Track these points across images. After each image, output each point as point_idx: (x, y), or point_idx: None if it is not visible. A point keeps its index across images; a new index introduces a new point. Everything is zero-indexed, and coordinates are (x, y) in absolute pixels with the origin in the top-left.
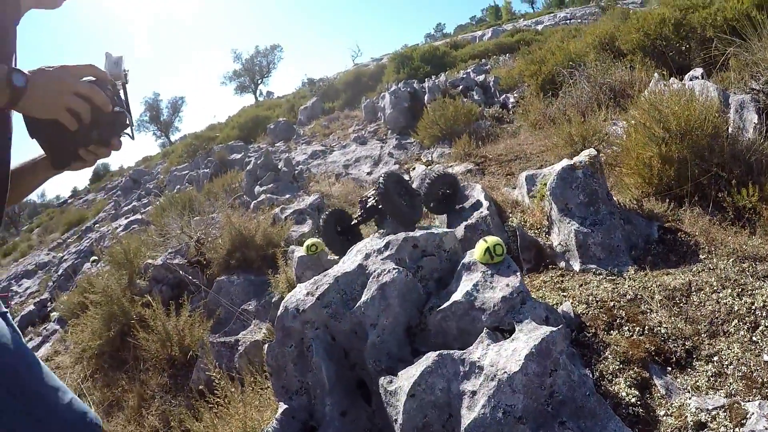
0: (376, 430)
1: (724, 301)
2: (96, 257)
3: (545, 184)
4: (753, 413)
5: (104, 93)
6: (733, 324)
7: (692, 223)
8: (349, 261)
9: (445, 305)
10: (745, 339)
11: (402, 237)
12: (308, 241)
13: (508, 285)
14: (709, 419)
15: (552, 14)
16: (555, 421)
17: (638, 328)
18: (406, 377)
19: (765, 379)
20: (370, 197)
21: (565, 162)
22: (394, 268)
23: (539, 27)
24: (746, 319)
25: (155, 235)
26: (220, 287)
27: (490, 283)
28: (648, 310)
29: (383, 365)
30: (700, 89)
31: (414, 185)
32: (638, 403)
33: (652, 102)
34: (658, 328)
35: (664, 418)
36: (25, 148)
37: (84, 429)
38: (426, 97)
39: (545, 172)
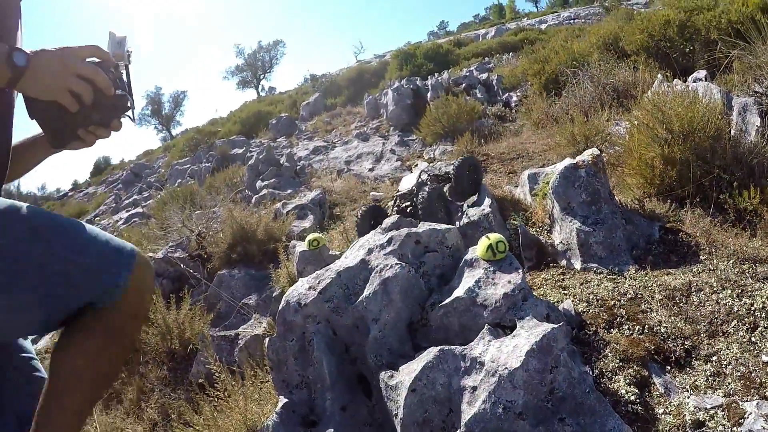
0: (377, 424)
1: (724, 301)
2: None
3: (548, 183)
4: (751, 413)
5: (107, 75)
6: (732, 324)
7: (693, 224)
8: (352, 256)
9: (446, 301)
10: (744, 339)
11: (405, 232)
12: (310, 236)
13: (509, 282)
14: (707, 418)
15: (556, 14)
16: (555, 417)
17: (638, 327)
18: (407, 372)
19: (763, 380)
20: (404, 200)
21: (568, 161)
22: (396, 264)
23: (543, 26)
24: (745, 320)
25: (156, 228)
26: (221, 281)
27: (492, 279)
28: (648, 310)
29: (384, 360)
30: (704, 91)
31: (421, 177)
32: (637, 401)
33: (655, 103)
34: (658, 327)
35: (663, 416)
36: (24, 127)
37: (125, 252)
38: (429, 95)
39: (548, 170)
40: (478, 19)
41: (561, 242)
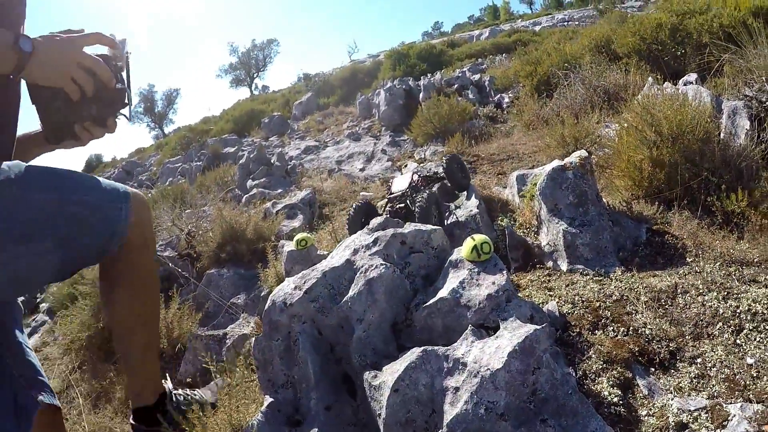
0: (361, 424)
1: (710, 303)
2: None
3: (535, 184)
4: (734, 415)
5: (109, 68)
6: (717, 327)
7: (681, 226)
8: (338, 256)
9: (430, 302)
10: (729, 342)
11: (390, 233)
12: (298, 236)
13: (494, 283)
14: (690, 420)
15: (550, 15)
16: (537, 418)
17: (623, 328)
18: (390, 372)
19: (747, 382)
20: (397, 202)
21: (555, 162)
22: (381, 264)
23: (537, 28)
24: (731, 322)
25: None
26: (209, 280)
27: (476, 280)
28: (633, 311)
29: (368, 360)
30: (694, 94)
31: (413, 178)
32: (620, 402)
33: (644, 105)
34: (643, 329)
35: (646, 418)
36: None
37: (121, 189)
38: (421, 95)
39: (536, 172)
40: (473, 20)
41: (548, 243)
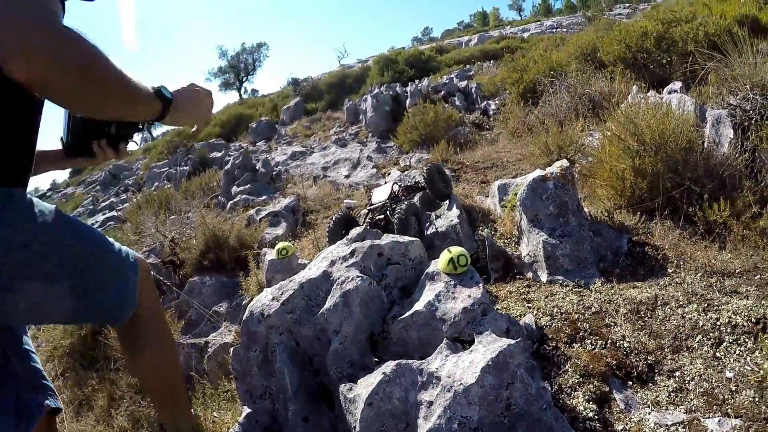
0: None
1: (690, 316)
2: None
3: (516, 194)
4: (712, 430)
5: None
6: (697, 339)
7: (662, 237)
8: (315, 267)
9: (406, 315)
10: (709, 355)
11: (368, 245)
12: (279, 245)
13: (469, 296)
14: None
15: (539, 22)
16: None
17: (601, 341)
18: (365, 386)
19: (726, 396)
20: (377, 212)
21: (536, 173)
22: (357, 276)
23: (525, 35)
24: (710, 334)
25: (130, 233)
26: (192, 288)
27: (452, 293)
28: (612, 324)
29: (345, 372)
30: (678, 103)
31: (394, 188)
32: (596, 417)
33: (627, 115)
34: (621, 341)
35: None
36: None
37: (130, 257)
38: (408, 102)
39: (518, 181)
40: (462, 26)
41: (528, 254)
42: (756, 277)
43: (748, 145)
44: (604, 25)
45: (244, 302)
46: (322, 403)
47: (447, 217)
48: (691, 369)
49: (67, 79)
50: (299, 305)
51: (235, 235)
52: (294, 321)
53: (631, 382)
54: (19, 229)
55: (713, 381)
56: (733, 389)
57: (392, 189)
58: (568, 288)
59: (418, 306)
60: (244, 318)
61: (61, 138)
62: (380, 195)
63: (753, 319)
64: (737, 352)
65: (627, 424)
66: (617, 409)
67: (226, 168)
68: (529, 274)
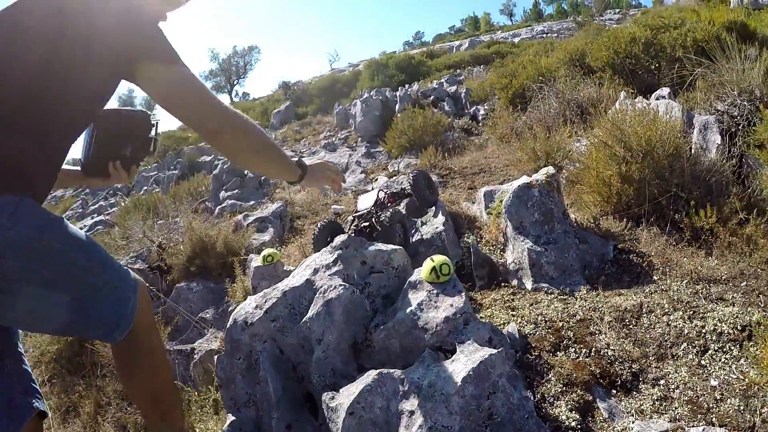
0: None
1: (675, 323)
2: None
3: (501, 201)
4: None
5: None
6: (682, 347)
7: (648, 243)
8: (298, 275)
9: (388, 323)
10: (694, 363)
11: (351, 253)
12: (264, 252)
13: (452, 305)
14: None
15: (530, 27)
16: None
17: (585, 349)
18: (347, 395)
19: (710, 405)
20: (363, 220)
21: (522, 180)
22: (340, 285)
23: (516, 39)
24: (696, 342)
25: (119, 238)
26: (179, 294)
27: (435, 302)
28: (597, 332)
29: (328, 381)
30: (665, 109)
31: (380, 195)
32: (579, 426)
33: (614, 121)
34: (606, 350)
35: None
36: None
37: (131, 275)
38: (397, 107)
39: (504, 188)
40: (454, 30)
41: (513, 261)
42: (742, 284)
43: (735, 151)
44: (593, 31)
45: (230, 309)
46: (306, 410)
47: (433, 224)
48: (675, 377)
49: (241, 152)
50: (282, 313)
51: (222, 241)
52: (277, 329)
53: (615, 391)
54: (25, 233)
55: (698, 389)
56: (718, 397)
57: (378, 196)
58: (552, 296)
59: (401, 315)
60: (228, 326)
61: (81, 158)
62: (366, 202)
63: (738, 327)
64: (722, 360)
65: None
66: (600, 418)
67: (214, 173)
68: (515, 282)
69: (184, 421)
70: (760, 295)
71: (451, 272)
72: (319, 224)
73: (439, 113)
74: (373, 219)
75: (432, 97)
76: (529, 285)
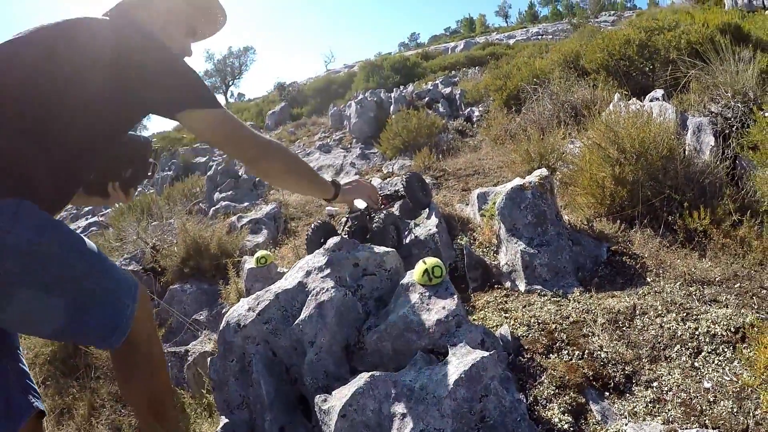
0: None
1: (668, 325)
2: None
3: (495, 203)
4: None
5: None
6: (675, 349)
7: (642, 245)
8: (291, 278)
9: (381, 326)
10: (687, 365)
11: (343, 255)
12: (258, 254)
13: (444, 308)
14: None
15: (525, 29)
16: None
17: (578, 351)
18: (339, 397)
19: (704, 407)
20: (356, 221)
21: (515, 182)
22: (332, 287)
23: (511, 41)
24: (689, 344)
25: (112, 239)
26: (172, 296)
27: (427, 305)
28: (590, 334)
29: (320, 383)
30: (659, 111)
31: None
32: (571, 429)
33: (608, 123)
34: (599, 352)
35: None
36: None
37: (133, 281)
38: (392, 108)
39: (497, 190)
40: (449, 32)
41: (506, 264)
42: (736, 286)
43: (729, 153)
44: (588, 33)
45: (223, 311)
46: (300, 413)
47: (426, 226)
48: (668, 379)
49: (277, 174)
50: (275, 316)
51: (216, 243)
52: (270, 331)
53: (608, 393)
54: (24, 236)
55: (691, 391)
56: (711, 400)
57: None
58: (546, 298)
59: (393, 317)
60: (221, 328)
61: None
62: (360, 203)
63: (732, 329)
64: (716, 362)
65: None
66: (593, 420)
67: (209, 174)
68: (508, 284)
69: (179, 424)
70: (754, 297)
71: (444, 274)
72: (312, 225)
73: (434, 115)
74: (367, 220)
75: (427, 99)
76: (522, 287)
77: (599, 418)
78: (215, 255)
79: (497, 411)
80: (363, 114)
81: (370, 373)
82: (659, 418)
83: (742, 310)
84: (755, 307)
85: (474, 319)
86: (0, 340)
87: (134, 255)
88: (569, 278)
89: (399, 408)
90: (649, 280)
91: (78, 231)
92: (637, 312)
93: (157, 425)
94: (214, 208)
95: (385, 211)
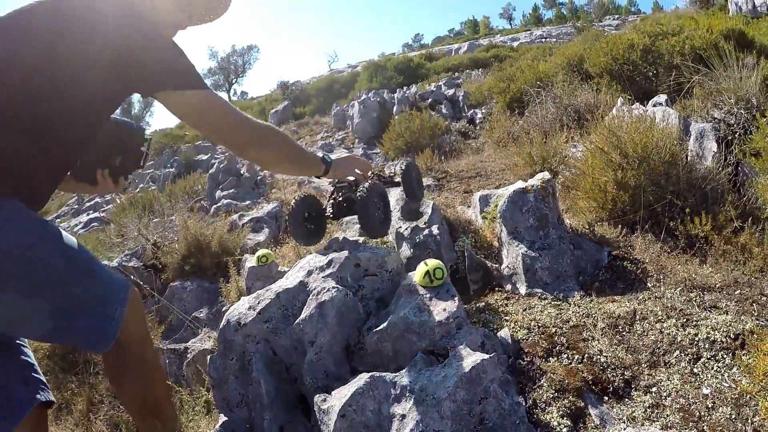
0: None
1: (668, 331)
2: None
3: (497, 206)
4: None
5: (141, 134)
6: (674, 355)
7: (643, 250)
8: (292, 277)
9: (381, 327)
10: (686, 371)
11: (345, 255)
12: (259, 252)
13: (444, 309)
14: None
15: (529, 32)
16: None
17: (577, 356)
18: (338, 397)
19: (702, 413)
20: (340, 196)
21: (517, 185)
22: (333, 287)
23: (515, 44)
24: (688, 350)
25: (113, 235)
26: (173, 293)
27: (428, 306)
28: (589, 338)
29: (320, 383)
30: (662, 116)
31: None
32: None
33: (611, 127)
34: (598, 356)
35: None
36: None
37: (122, 286)
38: (395, 109)
39: (499, 192)
40: (453, 33)
41: (507, 266)
42: (736, 292)
43: (731, 159)
44: (592, 37)
45: (224, 309)
46: (299, 412)
47: (427, 227)
48: (667, 385)
49: (268, 162)
50: (276, 315)
51: (216, 241)
52: (270, 330)
53: (607, 398)
54: (10, 239)
55: (690, 397)
56: (710, 406)
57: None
58: (546, 301)
59: (394, 318)
60: (221, 326)
61: None
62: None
63: (732, 335)
64: (715, 368)
65: None
66: (592, 424)
67: (210, 172)
68: (508, 287)
69: (176, 423)
70: (754, 304)
71: (445, 276)
72: (295, 198)
73: (437, 116)
74: (353, 191)
75: (430, 100)
76: (522, 290)
77: (598, 423)
78: (216, 253)
79: (496, 413)
80: (366, 114)
81: (370, 374)
82: (658, 423)
83: (742, 317)
84: (755, 314)
85: (474, 322)
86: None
87: (135, 251)
88: (570, 282)
89: (398, 409)
90: (649, 285)
91: (79, 226)
92: (637, 317)
93: (153, 425)
94: (215, 206)
95: (369, 182)
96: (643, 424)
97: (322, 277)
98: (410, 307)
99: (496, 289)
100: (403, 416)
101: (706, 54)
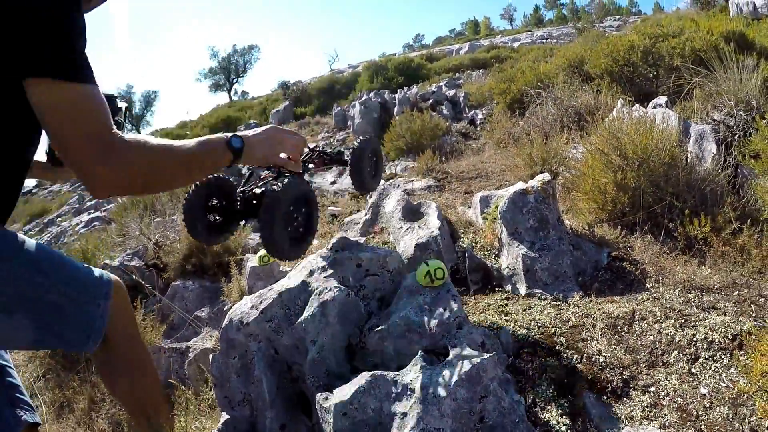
0: None
1: (666, 331)
2: None
3: (497, 207)
4: None
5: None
6: (673, 355)
7: (642, 251)
8: (294, 277)
9: (382, 326)
10: (684, 371)
11: (346, 256)
12: (261, 252)
13: (445, 309)
14: None
15: (530, 32)
16: None
17: (577, 355)
18: (340, 396)
19: (700, 412)
20: (253, 182)
21: (518, 186)
22: (335, 287)
23: (516, 44)
24: (686, 350)
25: (115, 234)
26: (175, 292)
27: (429, 306)
28: (589, 338)
29: (321, 382)
30: (662, 118)
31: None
32: (568, 431)
33: (611, 129)
34: (597, 356)
35: None
36: None
37: (103, 282)
38: (395, 109)
39: (499, 193)
40: (454, 33)
41: (507, 267)
42: (734, 293)
43: (730, 161)
44: (593, 38)
45: (225, 308)
46: (301, 411)
47: (428, 228)
48: (666, 384)
49: (138, 186)
50: (278, 314)
51: None
52: (272, 330)
53: (605, 397)
54: None
55: (688, 397)
56: (708, 405)
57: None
58: (546, 301)
59: (395, 318)
60: (223, 325)
61: (47, 149)
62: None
63: (729, 336)
64: (713, 368)
65: None
66: (591, 423)
67: None
68: (508, 287)
69: (171, 421)
70: (752, 305)
71: (446, 276)
72: (191, 187)
73: (437, 117)
74: (332, 151)
75: (431, 101)
76: (522, 290)
77: (596, 422)
78: (217, 252)
79: (496, 412)
80: (367, 114)
81: (372, 373)
82: (656, 422)
83: (740, 318)
84: (753, 315)
85: (474, 322)
86: None
87: (137, 251)
88: (569, 283)
89: (399, 407)
90: (648, 286)
91: (80, 226)
92: (636, 317)
93: (146, 423)
94: None
95: (361, 137)
96: (641, 424)
97: (324, 277)
98: (411, 307)
99: (496, 289)
100: (404, 414)
101: (707, 56)
